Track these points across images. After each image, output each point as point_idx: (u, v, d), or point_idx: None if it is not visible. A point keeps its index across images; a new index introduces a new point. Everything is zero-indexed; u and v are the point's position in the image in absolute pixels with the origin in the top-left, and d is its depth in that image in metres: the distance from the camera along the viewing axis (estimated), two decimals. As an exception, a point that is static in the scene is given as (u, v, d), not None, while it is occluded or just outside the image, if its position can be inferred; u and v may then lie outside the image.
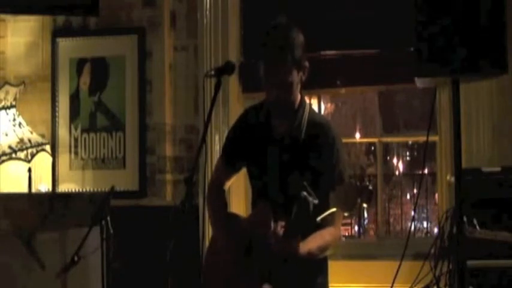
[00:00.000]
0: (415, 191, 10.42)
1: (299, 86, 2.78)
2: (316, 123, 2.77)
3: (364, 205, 2.34)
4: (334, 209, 2.40)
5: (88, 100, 4.88)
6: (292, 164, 2.72)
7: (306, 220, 2.46)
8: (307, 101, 2.87)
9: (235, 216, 2.92)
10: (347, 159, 3.02)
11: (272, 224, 2.59)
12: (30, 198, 4.23)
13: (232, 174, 2.98)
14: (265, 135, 2.81)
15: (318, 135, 2.73)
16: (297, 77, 2.73)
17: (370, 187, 2.35)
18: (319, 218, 2.45)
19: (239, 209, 4.29)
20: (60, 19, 4.96)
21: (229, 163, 2.94)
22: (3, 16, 4.99)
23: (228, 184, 3.00)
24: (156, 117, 4.79)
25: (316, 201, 2.43)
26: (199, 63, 4.68)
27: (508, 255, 3.41)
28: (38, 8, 4.74)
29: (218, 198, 2.95)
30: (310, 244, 2.62)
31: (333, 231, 2.70)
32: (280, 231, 2.58)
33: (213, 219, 2.93)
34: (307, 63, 2.77)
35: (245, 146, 2.86)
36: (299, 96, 2.80)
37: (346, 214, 2.56)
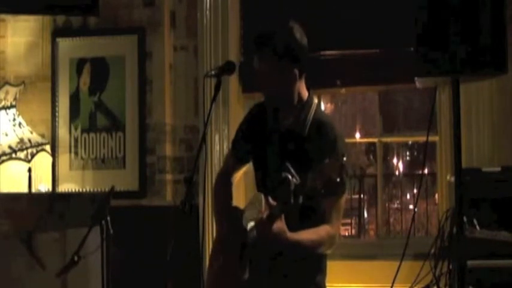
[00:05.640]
0: (415, 191, 10.43)
1: (293, 79, 2.74)
2: (321, 122, 2.77)
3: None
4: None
5: (88, 100, 4.88)
6: (292, 158, 2.71)
7: (288, 200, 2.45)
8: (315, 100, 2.86)
9: (237, 209, 2.92)
10: (349, 161, 3.02)
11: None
12: (30, 198, 4.23)
13: (240, 166, 2.99)
14: (271, 129, 2.82)
15: (321, 133, 2.73)
16: (281, 68, 2.70)
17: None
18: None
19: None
20: (60, 19, 4.96)
21: (237, 155, 2.96)
22: (3, 16, 4.99)
23: (235, 176, 3.00)
24: (156, 117, 4.79)
25: (297, 181, 2.42)
26: (199, 63, 4.68)
27: (508, 255, 3.41)
28: (38, 8, 4.74)
29: (224, 188, 2.97)
30: (302, 235, 2.61)
31: (329, 228, 2.68)
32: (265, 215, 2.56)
33: (216, 210, 2.94)
34: (296, 72, 2.72)
35: (252, 139, 2.87)
36: (306, 94, 2.79)
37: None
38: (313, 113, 2.78)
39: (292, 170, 2.43)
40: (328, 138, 2.72)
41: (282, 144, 2.77)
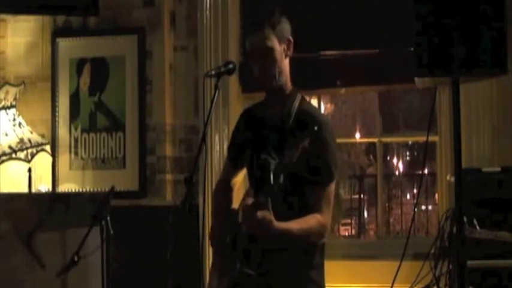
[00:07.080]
0: (415, 191, 10.43)
1: (284, 62, 2.78)
2: (305, 112, 2.76)
3: None
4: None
5: (88, 100, 4.88)
6: (279, 148, 2.70)
7: (268, 181, 2.44)
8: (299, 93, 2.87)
9: (233, 208, 2.93)
10: (339, 154, 3.02)
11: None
12: (30, 198, 4.24)
13: (238, 171, 3.00)
14: (260, 124, 2.83)
15: (306, 123, 2.71)
16: (278, 46, 2.74)
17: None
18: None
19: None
20: (60, 19, 4.96)
21: (232, 157, 2.98)
22: (3, 16, 4.99)
23: (235, 182, 3.01)
24: (156, 117, 4.79)
25: (275, 162, 2.43)
26: (199, 63, 4.68)
27: (508, 255, 3.41)
28: (38, 8, 4.74)
29: (223, 194, 2.98)
30: (290, 224, 2.59)
31: (319, 217, 2.66)
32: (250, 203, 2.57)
33: (215, 215, 2.95)
34: (290, 37, 2.79)
35: (245, 138, 2.88)
36: (290, 85, 2.82)
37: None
38: (297, 103, 2.78)
39: (272, 153, 2.44)
40: (312, 125, 2.68)
41: (268, 136, 2.77)
